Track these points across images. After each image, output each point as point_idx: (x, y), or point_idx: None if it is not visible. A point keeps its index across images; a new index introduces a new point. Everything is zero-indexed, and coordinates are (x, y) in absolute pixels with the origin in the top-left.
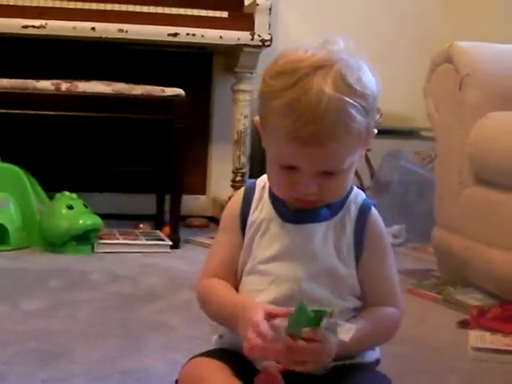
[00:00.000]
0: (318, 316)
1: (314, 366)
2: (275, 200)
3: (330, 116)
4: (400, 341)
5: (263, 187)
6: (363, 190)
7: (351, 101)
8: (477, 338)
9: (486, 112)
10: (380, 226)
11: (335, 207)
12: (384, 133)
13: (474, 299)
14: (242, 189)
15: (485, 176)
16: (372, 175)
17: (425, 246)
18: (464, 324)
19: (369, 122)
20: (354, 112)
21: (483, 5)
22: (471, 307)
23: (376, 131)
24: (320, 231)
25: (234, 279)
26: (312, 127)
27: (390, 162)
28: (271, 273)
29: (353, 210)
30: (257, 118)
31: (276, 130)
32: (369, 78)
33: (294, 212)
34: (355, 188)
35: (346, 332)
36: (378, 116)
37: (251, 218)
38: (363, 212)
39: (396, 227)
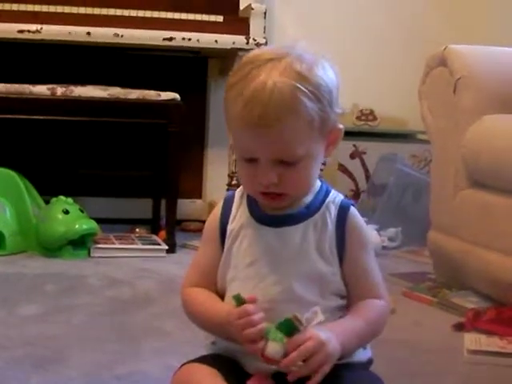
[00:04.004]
0: (288, 323)
1: (322, 365)
2: (252, 205)
3: (276, 97)
4: (395, 344)
5: (242, 196)
6: (359, 194)
7: (298, 84)
8: (472, 340)
9: (481, 115)
10: (360, 222)
11: (312, 207)
12: (379, 136)
13: (469, 302)
14: (222, 199)
15: (480, 179)
16: (367, 178)
17: (421, 248)
18: (460, 327)
19: (323, 110)
20: (300, 95)
21: (477, 8)
22: (467, 310)
23: (342, 127)
24: (298, 232)
25: (215, 287)
26: (259, 109)
27: (385, 165)
28: (253, 278)
29: (332, 209)
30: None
31: (232, 120)
32: (323, 71)
33: (271, 216)
34: (333, 190)
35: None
36: (340, 110)
37: (230, 227)
38: (343, 210)
39: (392, 230)
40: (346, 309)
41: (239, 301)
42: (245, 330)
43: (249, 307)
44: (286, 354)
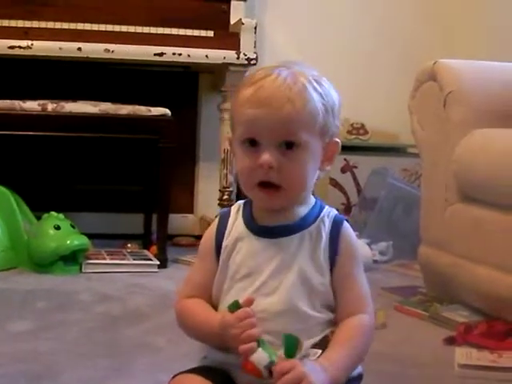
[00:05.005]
0: (292, 341)
1: None
2: (248, 219)
3: (287, 84)
4: (386, 358)
5: (237, 211)
6: (350, 208)
7: (309, 78)
8: (463, 354)
9: (471, 129)
10: (353, 237)
11: (308, 220)
12: (371, 150)
13: (460, 316)
14: (218, 216)
15: (470, 193)
16: (359, 192)
17: (411, 262)
18: (451, 341)
19: (326, 111)
20: (310, 88)
21: (467, 23)
22: (458, 324)
23: (339, 141)
24: (294, 242)
25: (209, 301)
26: (270, 91)
27: (376, 179)
28: (247, 289)
29: (327, 222)
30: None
31: (239, 105)
32: (328, 85)
33: (267, 227)
34: (327, 206)
35: (314, 354)
36: (339, 125)
37: (225, 242)
38: (336, 224)
39: (383, 244)
40: (334, 323)
41: (237, 306)
42: (246, 331)
43: (249, 309)
44: (270, 367)
